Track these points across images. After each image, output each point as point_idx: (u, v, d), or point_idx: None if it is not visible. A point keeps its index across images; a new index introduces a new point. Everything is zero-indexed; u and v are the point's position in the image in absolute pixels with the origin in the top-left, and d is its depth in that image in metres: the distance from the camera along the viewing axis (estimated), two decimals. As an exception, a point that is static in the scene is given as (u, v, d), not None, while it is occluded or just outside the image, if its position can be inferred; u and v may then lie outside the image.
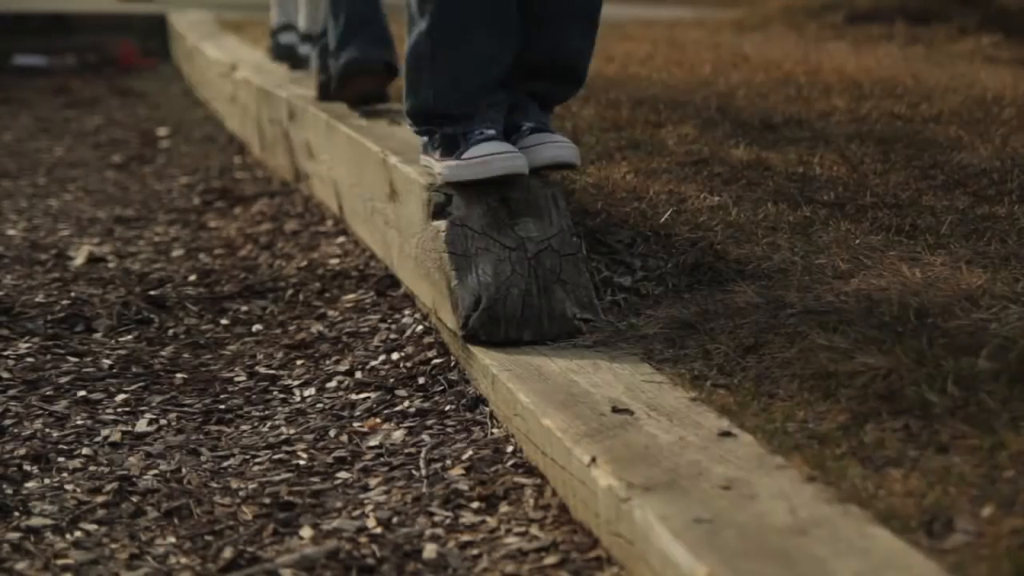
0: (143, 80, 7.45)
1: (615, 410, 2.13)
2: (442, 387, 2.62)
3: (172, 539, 2.06)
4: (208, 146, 5.43)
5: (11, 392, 2.68)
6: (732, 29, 7.51)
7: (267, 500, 2.18)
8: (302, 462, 2.34)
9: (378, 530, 2.06)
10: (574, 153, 2.75)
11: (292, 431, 2.49)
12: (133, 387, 2.72)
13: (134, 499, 2.20)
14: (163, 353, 2.92)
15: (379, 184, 3.25)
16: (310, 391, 2.69)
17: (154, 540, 2.06)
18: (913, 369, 2.06)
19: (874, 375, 2.07)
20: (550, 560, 1.92)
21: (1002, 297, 2.30)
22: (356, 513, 2.13)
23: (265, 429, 2.51)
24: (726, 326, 2.38)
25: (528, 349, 2.52)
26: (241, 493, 2.22)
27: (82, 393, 2.69)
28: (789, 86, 4.55)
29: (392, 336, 2.90)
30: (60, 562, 1.98)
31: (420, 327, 2.89)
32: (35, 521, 2.11)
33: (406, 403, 2.57)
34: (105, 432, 2.49)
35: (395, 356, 2.79)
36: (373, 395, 2.62)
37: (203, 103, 6.45)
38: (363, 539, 2.03)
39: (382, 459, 2.34)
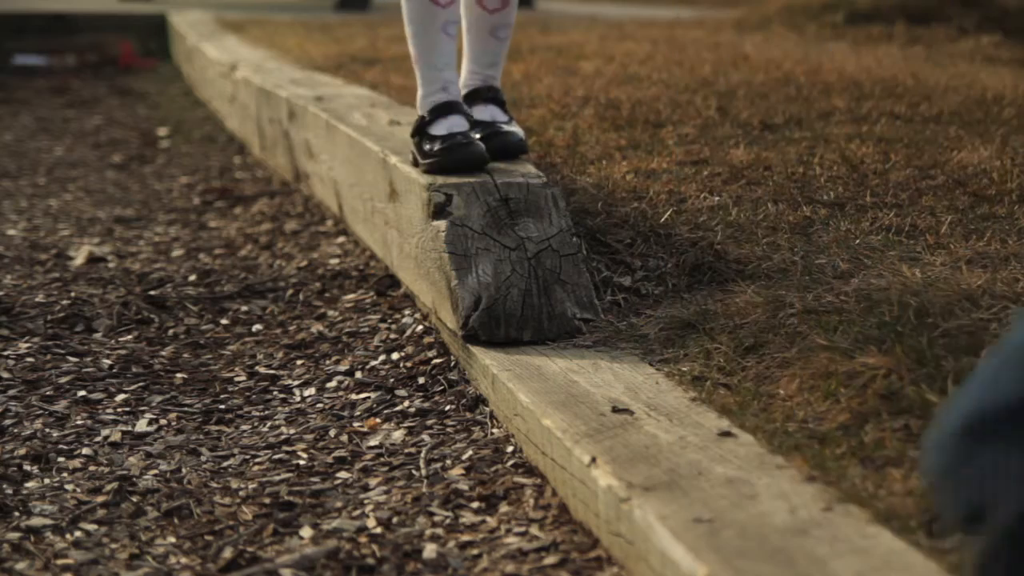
0: (143, 80, 7.45)
1: (615, 410, 2.13)
2: (442, 387, 2.62)
3: (172, 539, 2.06)
4: (208, 146, 5.43)
5: (11, 392, 2.68)
6: (732, 29, 7.51)
7: (267, 500, 2.18)
8: (302, 462, 2.34)
9: (378, 530, 2.06)
10: None
11: (292, 431, 2.49)
12: (133, 387, 2.72)
13: (134, 499, 2.20)
14: (163, 353, 2.92)
15: (379, 184, 3.25)
16: (310, 391, 2.69)
17: (154, 540, 2.06)
18: (913, 369, 2.06)
19: (874, 375, 2.07)
20: (550, 560, 1.92)
21: (1002, 297, 2.30)
22: (356, 513, 2.13)
23: (265, 429, 2.51)
24: (726, 326, 2.38)
25: (528, 349, 2.52)
26: (241, 493, 2.22)
27: (82, 393, 2.69)
28: (789, 86, 4.55)
29: (392, 336, 2.90)
30: (60, 562, 1.98)
31: (420, 327, 2.89)
32: (35, 521, 2.11)
33: (406, 403, 2.57)
34: (105, 432, 2.49)
35: (395, 356, 2.79)
36: (373, 395, 2.62)
37: (203, 103, 6.45)
38: (363, 539, 2.03)
39: (382, 459, 2.34)
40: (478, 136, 2.91)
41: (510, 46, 3.20)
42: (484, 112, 3.02)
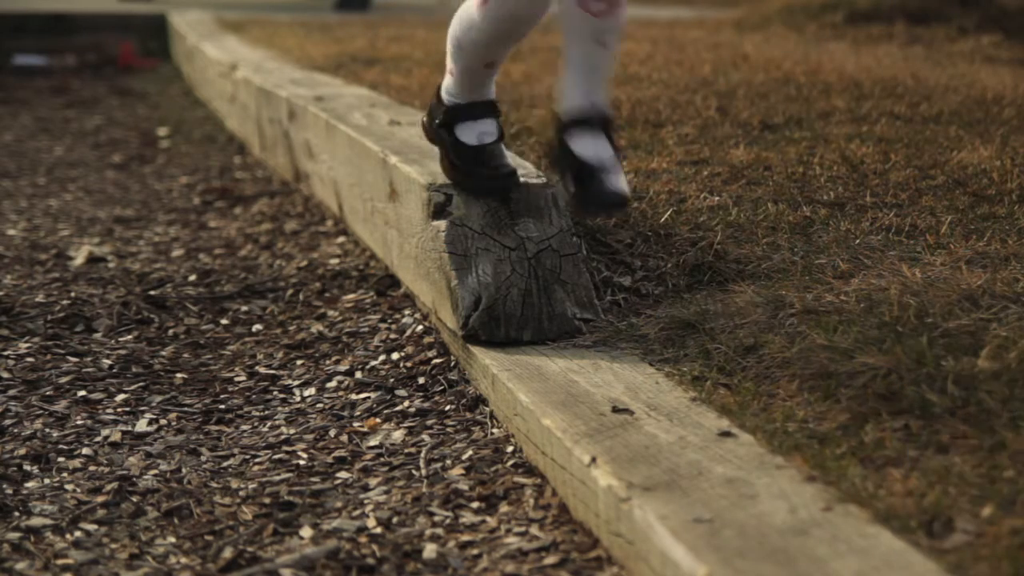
0: (143, 80, 7.45)
1: (615, 410, 2.13)
2: (442, 387, 2.62)
3: (172, 539, 2.06)
4: (208, 146, 5.43)
5: (11, 392, 2.68)
6: (732, 29, 7.51)
7: (267, 500, 2.18)
8: (302, 462, 2.34)
9: (378, 530, 2.06)
10: None
11: (292, 431, 2.49)
12: (133, 387, 2.72)
13: (134, 499, 2.20)
14: (163, 353, 2.92)
15: (379, 184, 3.25)
16: (310, 391, 2.69)
17: (154, 540, 2.06)
18: (913, 369, 2.06)
19: (874, 375, 2.07)
20: (550, 560, 1.92)
21: (1002, 297, 2.30)
22: (356, 513, 2.13)
23: (265, 429, 2.51)
24: (726, 326, 2.38)
25: (528, 349, 2.52)
26: (241, 493, 2.22)
27: (82, 393, 2.69)
28: (789, 86, 4.55)
29: (392, 336, 2.90)
30: (60, 562, 1.98)
31: (420, 327, 2.89)
32: (35, 521, 2.11)
33: (406, 403, 2.57)
34: (105, 432, 2.49)
35: (395, 356, 2.79)
36: (373, 395, 2.62)
37: (203, 103, 6.46)
38: (363, 539, 2.03)
39: (382, 459, 2.34)
40: (571, 176, 2.45)
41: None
42: (589, 148, 2.44)
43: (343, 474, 2.29)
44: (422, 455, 2.33)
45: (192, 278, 3.44)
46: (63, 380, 2.75)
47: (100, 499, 2.20)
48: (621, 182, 2.44)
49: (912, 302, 2.28)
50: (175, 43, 7.92)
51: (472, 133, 2.68)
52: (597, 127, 2.45)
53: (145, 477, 2.29)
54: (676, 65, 5.17)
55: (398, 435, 2.43)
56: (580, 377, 2.32)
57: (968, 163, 3.32)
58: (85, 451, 2.41)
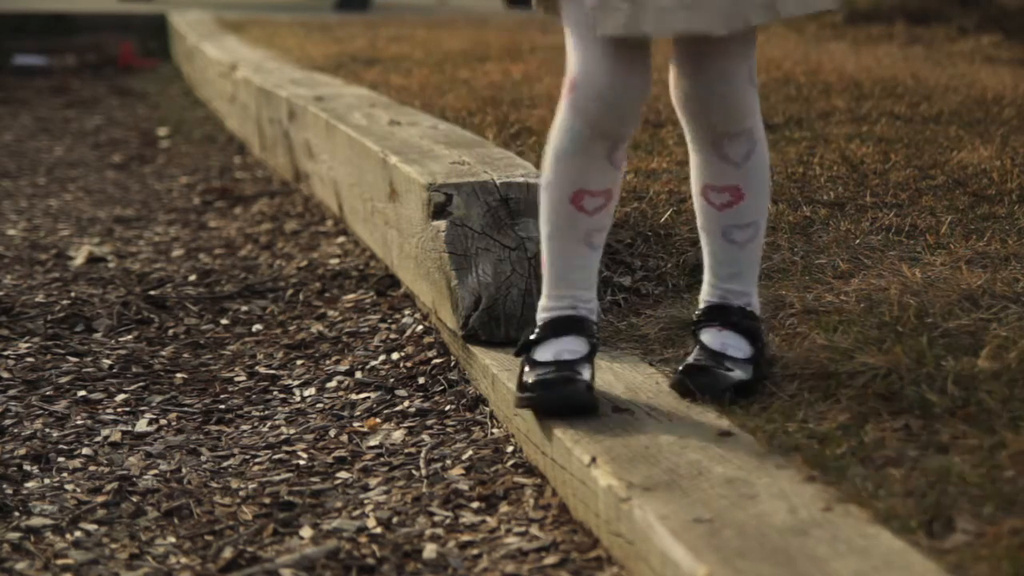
0: (143, 80, 7.46)
1: (615, 410, 2.13)
2: (442, 387, 2.62)
3: (172, 539, 2.06)
4: (208, 146, 5.43)
5: (11, 392, 2.68)
6: (732, 29, 7.49)
7: (267, 500, 2.18)
8: (302, 462, 2.34)
9: (378, 530, 2.06)
10: None
11: (292, 431, 2.49)
12: (133, 387, 2.72)
13: (134, 499, 2.20)
14: (163, 353, 2.92)
15: (379, 184, 3.25)
16: (310, 391, 2.69)
17: (154, 540, 2.06)
18: (913, 369, 2.06)
19: (874, 375, 2.07)
20: (550, 560, 1.92)
21: (1002, 297, 2.30)
22: (356, 513, 2.13)
23: (265, 429, 2.51)
24: (726, 326, 2.38)
25: (528, 349, 2.51)
26: (241, 493, 2.22)
27: (82, 393, 2.69)
28: (789, 86, 4.55)
29: (392, 336, 2.90)
30: (60, 562, 1.98)
31: (420, 327, 2.89)
32: (35, 521, 2.11)
33: (406, 403, 2.57)
34: (105, 432, 2.49)
35: (395, 356, 2.79)
36: (373, 395, 2.62)
37: (203, 103, 6.46)
38: (363, 539, 2.03)
39: (382, 459, 2.34)
40: (693, 361, 2.24)
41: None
42: (714, 340, 2.24)
43: (343, 474, 2.29)
44: (422, 455, 2.33)
45: (192, 278, 3.44)
46: (63, 380, 2.75)
47: (100, 499, 2.20)
48: (734, 377, 2.18)
49: (912, 302, 2.28)
50: (175, 43, 7.92)
51: (550, 350, 2.21)
52: (727, 324, 2.25)
53: (145, 477, 2.29)
54: (676, 65, 5.16)
55: (398, 435, 2.43)
56: (580, 377, 2.32)
57: (968, 163, 3.31)
58: (85, 451, 2.41)
